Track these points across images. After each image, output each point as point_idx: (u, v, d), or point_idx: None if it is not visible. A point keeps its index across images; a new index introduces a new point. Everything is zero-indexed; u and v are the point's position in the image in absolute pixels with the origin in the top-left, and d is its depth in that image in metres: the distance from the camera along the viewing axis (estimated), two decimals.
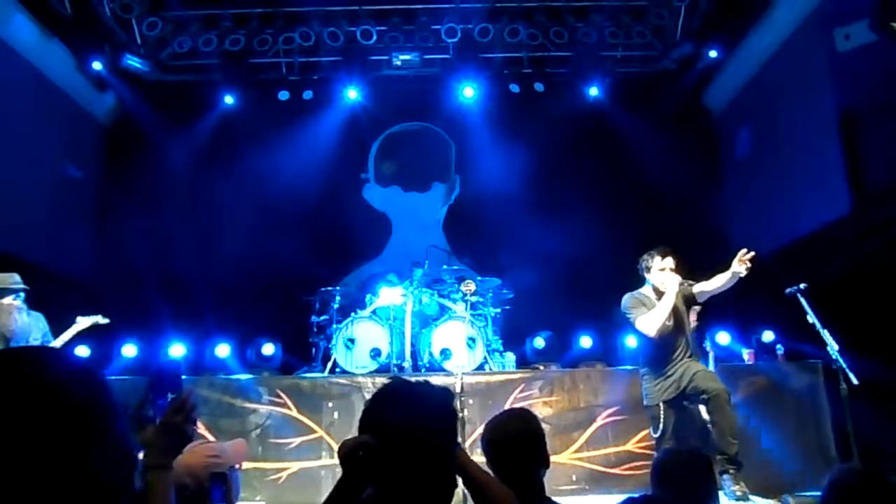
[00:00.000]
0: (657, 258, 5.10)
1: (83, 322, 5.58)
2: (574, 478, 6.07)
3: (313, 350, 7.66)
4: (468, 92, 9.49)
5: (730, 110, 9.45)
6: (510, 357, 7.50)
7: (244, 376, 6.87)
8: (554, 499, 2.80)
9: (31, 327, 5.44)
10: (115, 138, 9.48)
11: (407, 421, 1.65)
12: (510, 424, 2.50)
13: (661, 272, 5.05)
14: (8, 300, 5.36)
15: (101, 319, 5.68)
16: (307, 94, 9.65)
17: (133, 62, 8.68)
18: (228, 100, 9.36)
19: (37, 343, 5.33)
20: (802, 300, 4.91)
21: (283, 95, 9.62)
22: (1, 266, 5.58)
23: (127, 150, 9.29)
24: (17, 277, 5.47)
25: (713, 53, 8.82)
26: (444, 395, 1.79)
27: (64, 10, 7.90)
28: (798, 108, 7.67)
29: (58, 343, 5.51)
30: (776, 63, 8.15)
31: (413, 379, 1.82)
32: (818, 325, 4.83)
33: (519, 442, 2.42)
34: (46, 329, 5.54)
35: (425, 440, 1.64)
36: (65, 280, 7.93)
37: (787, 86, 7.91)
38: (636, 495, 1.79)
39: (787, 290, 5.05)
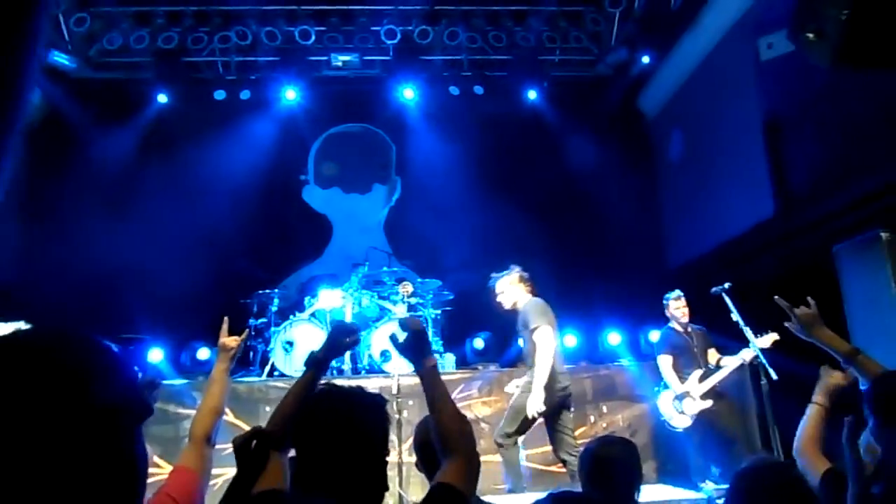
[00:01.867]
0: None
1: (1, 328, 5.35)
2: None
3: (251, 354, 7.54)
4: (408, 93, 9.49)
5: (663, 115, 9.73)
6: (449, 358, 7.55)
7: (178, 381, 6.72)
8: (486, 498, 2.83)
9: None
10: (43, 137, 9.10)
11: (339, 428, 1.67)
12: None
13: None
14: None
15: (22, 326, 5.45)
16: (244, 94, 9.48)
17: (60, 59, 8.37)
18: (162, 98, 9.11)
19: None
20: (727, 299, 5.11)
21: (220, 95, 9.41)
22: None
23: (56, 149, 8.94)
24: None
25: (646, 59, 9.05)
26: (377, 402, 1.81)
27: None
28: (725, 114, 7.95)
29: None
30: (705, 69, 8.42)
31: (346, 384, 1.84)
32: (741, 322, 5.04)
33: None
34: None
35: (357, 446, 1.67)
36: None
37: (715, 91, 8.19)
38: (556, 491, 1.84)
39: (713, 290, 5.25)
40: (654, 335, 7.03)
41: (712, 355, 6.11)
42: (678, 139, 9.19)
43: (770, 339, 5.23)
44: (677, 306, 6.21)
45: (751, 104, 7.30)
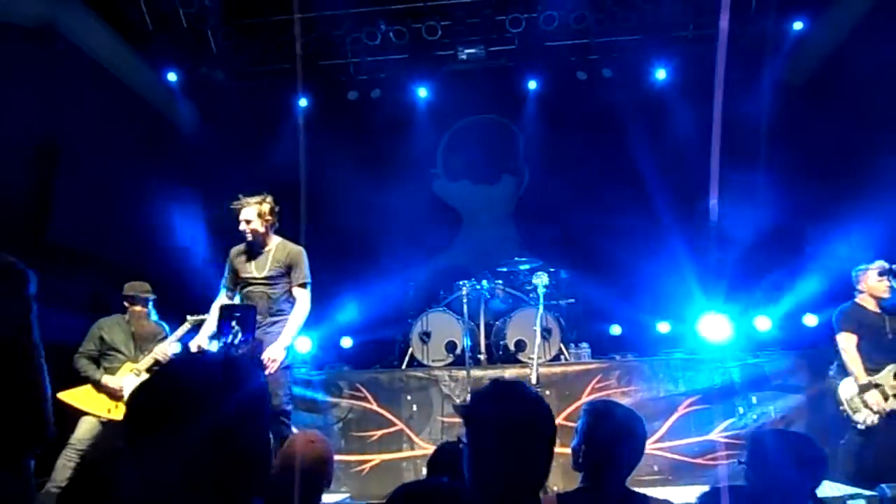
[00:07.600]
0: None
1: (192, 320, 5.95)
2: (656, 468, 5.99)
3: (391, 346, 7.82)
4: (534, 82, 9.41)
5: (814, 84, 8.98)
6: (586, 347, 7.43)
7: (324, 371, 7.08)
8: (635, 489, 2.79)
9: (155, 332, 6.04)
10: (197, 146, 9.84)
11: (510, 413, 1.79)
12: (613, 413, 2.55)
13: None
14: (139, 307, 5.99)
15: (207, 316, 5.99)
16: (375, 93, 9.79)
17: (210, 71, 9.04)
18: (302, 103, 9.61)
19: (161, 345, 5.91)
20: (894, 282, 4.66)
21: (353, 95, 9.79)
22: (114, 275, 6.12)
23: (209, 158, 9.63)
24: (147, 286, 6.10)
25: (798, 25, 8.42)
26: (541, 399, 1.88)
27: (144, 25, 8.30)
28: (887, 79, 7.23)
29: (172, 339, 5.99)
30: (863, 31, 7.71)
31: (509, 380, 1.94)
32: None
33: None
34: (168, 333, 6.09)
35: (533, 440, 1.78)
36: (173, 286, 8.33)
37: (875, 55, 7.47)
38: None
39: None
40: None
41: None
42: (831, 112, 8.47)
43: None
44: (879, 285, 5.12)
45: None
